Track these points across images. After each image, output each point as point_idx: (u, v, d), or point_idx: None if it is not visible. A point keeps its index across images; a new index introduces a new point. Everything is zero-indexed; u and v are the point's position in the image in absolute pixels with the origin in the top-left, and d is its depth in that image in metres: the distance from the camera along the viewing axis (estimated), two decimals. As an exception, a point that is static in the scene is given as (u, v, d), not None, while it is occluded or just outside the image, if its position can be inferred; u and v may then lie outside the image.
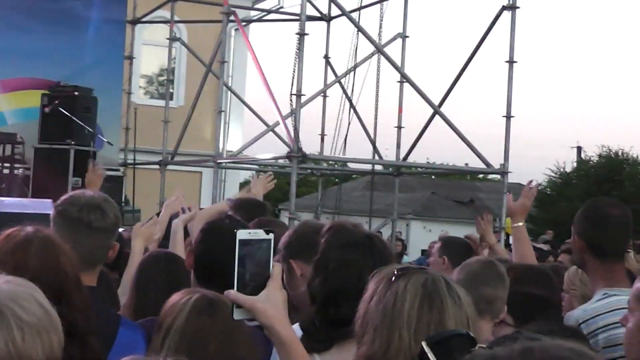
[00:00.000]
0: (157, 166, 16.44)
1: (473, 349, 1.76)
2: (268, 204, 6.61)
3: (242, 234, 2.36)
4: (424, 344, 1.85)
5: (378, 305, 2.38)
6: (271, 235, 2.42)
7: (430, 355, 1.81)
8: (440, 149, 74.80)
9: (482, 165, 14.36)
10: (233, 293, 2.37)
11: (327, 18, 17.81)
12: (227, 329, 2.88)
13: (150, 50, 22.84)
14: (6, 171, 13.30)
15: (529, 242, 5.36)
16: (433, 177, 46.37)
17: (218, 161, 14.64)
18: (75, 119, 12.99)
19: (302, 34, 12.95)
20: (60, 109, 13.08)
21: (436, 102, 14.50)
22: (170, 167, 16.50)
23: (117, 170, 15.43)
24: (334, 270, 3.13)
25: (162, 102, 18.41)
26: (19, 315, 2.06)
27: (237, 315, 2.40)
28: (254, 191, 6.53)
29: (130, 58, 17.69)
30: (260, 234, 2.40)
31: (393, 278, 2.40)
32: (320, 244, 3.22)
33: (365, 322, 2.40)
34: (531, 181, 5.67)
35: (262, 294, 2.38)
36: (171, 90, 20.18)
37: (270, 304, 2.39)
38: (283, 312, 2.43)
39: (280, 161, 16.15)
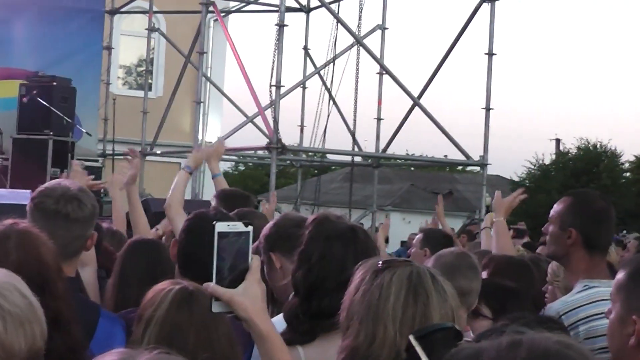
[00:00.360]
0: (135, 157, 16.36)
1: (459, 342, 1.76)
2: (252, 196, 6.54)
3: (220, 227, 2.34)
4: (411, 337, 1.84)
5: (363, 297, 2.37)
6: (250, 228, 2.39)
7: (418, 349, 1.80)
8: (419, 141, 74.95)
9: (462, 157, 14.41)
10: (211, 286, 2.34)
11: (307, 9, 17.80)
12: (208, 321, 2.86)
13: (128, 41, 22.74)
14: (-16, 162, 13.21)
15: (509, 236, 5.43)
16: (412, 168, 46.49)
17: (197, 152, 14.58)
18: (53, 109, 12.90)
19: (281, 25, 12.93)
20: (38, 99, 12.99)
21: (416, 94, 14.53)
22: (149, 158, 16.45)
23: (96, 161, 15.36)
24: (317, 262, 3.11)
25: (140, 93, 18.33)
26: (1, 305, 2.04)
27: (216, 308, 2.37)
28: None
29: (109, 48, 17.61)
30: (239, 226, 2.37)
31: (378, 270, 2.39)
32: (304, 236, 3.21)
33: (350, 315, 2.39)
34: (524, 191, 5.71)
35: (241, 287, 2.36)
36: (150, 81, 20.13)
37: (249, 297, 2.36)
38: (261, 305, 2.40)
39: (260, 152, 16.15)
